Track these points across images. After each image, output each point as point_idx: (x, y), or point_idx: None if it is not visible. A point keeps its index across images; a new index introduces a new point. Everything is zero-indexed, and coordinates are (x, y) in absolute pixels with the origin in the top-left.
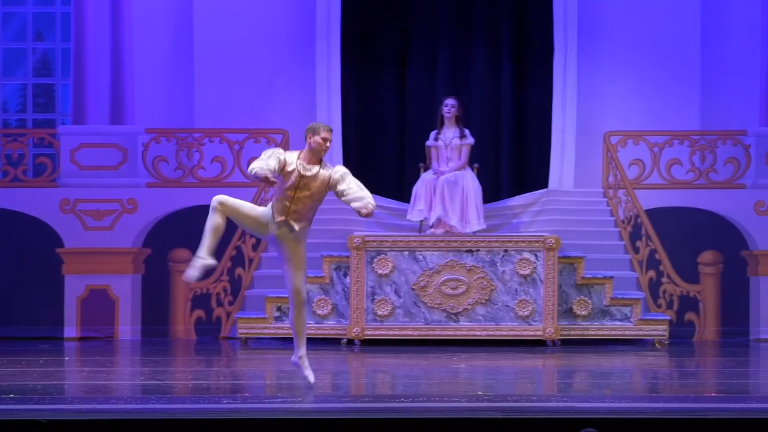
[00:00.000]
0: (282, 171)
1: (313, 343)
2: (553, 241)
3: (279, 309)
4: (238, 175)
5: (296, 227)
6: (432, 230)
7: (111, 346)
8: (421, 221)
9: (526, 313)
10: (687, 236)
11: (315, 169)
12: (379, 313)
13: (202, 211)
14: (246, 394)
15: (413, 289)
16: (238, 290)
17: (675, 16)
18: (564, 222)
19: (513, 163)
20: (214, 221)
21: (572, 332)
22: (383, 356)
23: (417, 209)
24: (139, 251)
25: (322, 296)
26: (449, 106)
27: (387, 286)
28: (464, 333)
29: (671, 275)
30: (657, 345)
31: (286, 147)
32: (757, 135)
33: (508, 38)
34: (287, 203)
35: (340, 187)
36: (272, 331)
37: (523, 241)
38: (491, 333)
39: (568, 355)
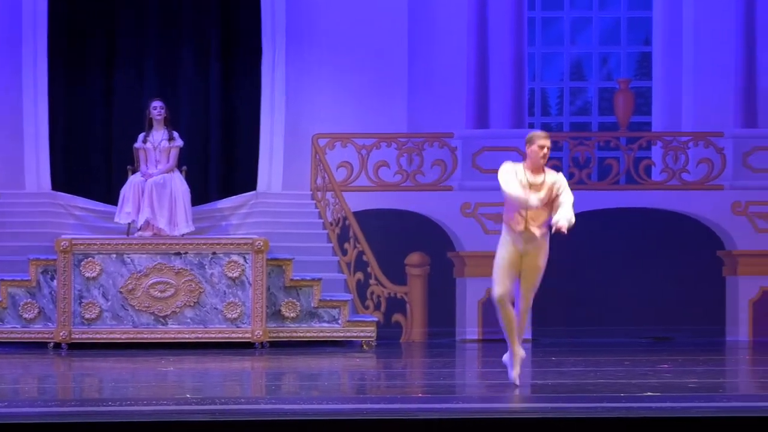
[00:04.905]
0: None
1: (19, 347)
2: (261, 244)
3: None
4: None
5: (537, 233)
6: (140, 233)
7: None
8: (129, 224)
9: (234, 316)
10: (394, 238)
11: (541, 177)
12: (87, 316)
13: None
14: None
15: (121, 292)
16: None
17: (382, 21)
18: (272, 224)
19: (222, 166)
20: (507, 316)
21: (281, 334)
22: (91, 360)
23: (125, 212)
24: None
25: (29, 300)
26: (158, 108)
27: (95, 289)
28: (172, 336)
29: (379, 277)
30: (365, 346)
31: None
32: (464, 137)
33: (216, 40)
34: (523, 213)
35: (561, 197)
36: None
37: (231, 244)
38: (200, 336)
39: (277, 357)
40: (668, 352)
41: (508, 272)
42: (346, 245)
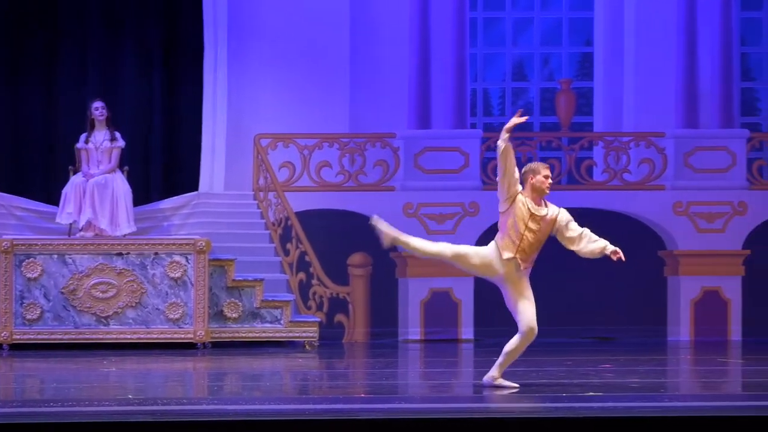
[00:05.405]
0: (514, 200)
1: None
2: (203, 244)
3: None
4: None
5: (522, 266)
6: (82, 233)
7: None
8: (71, 224)
9: (176, 316)
10: (337, 238)
11: (544, 210)
12: (28, 317)
13: None
14: None
15: (63, 293)
16: None
17: (325, 21)
18: (215, 225)
19: (164, 166)
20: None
21: (223, 334)
22: (32, 361)
23: (66, 212)
24: None
25: None
26: (100, 108)
27: (36, 289)
28: (114, 336)
29: (321, 277)
30: (307, 347)
31: None
32: (406, 137)
33: (158, 40)
34: (516, 241)
35: (569, 233)
36: None
37: (173, 244)
38: (142, 336)
39: (219, 358)
40: (610, 352)
41: (472, 260)
42: (288, 245)
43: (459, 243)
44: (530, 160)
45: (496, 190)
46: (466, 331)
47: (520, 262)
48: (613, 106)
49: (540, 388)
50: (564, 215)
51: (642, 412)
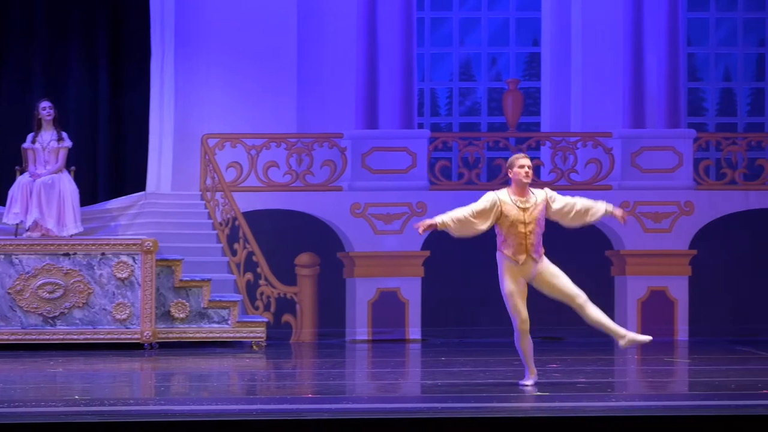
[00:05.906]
0: (500, 213)
1: None
2: (150, 244)
3: None
4: None
5: (540, 260)
6: (28, 234)
7: None
8: (17, 224)
9: (123, 317)
10: (284, 238)
11: (532, 198)
12: None
13: None
14: None
15: (9, 293)
16: None
17: (271, 21)
18: (162, 225)
19: (111, 166)
20: (527, 343)
21: (170, 335)
22: None
23: (13, 212)
24: None
25: None
26: (47, 108)
27: None
28: (61, 337)
29: (269, 277)
30: (255, 347)
31: None
32: (353, 138)
33: (105, 41)
34: (522, 241)
35: (558, 206)
36: None
37: (120, 245)
38: (89, 337)
39: (167, 358)
40: (558, 352)
41: (521, 299)
42: (235, 246)
43: (405, 242)
44: (477, 160)
45: (444, 190)
46: (414, 331)
47: (535, 256)
48: (561, 106)
49: (488, 388)
50: (550, 193)
51: (589, 411)
